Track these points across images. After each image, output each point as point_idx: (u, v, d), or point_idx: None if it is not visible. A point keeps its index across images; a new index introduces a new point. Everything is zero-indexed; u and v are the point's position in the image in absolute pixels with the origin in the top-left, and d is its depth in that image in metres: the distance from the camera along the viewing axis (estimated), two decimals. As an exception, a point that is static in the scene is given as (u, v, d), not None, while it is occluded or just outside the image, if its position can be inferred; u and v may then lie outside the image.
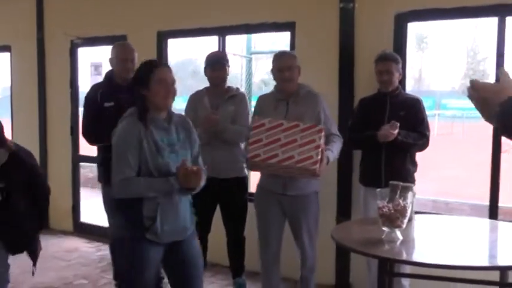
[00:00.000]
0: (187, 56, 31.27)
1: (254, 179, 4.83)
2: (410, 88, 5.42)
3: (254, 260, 4.71)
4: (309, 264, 4.13)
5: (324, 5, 4.93)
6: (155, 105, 3.13)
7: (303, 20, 5.05)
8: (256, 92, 21.25)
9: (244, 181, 4.59)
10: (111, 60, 4.57)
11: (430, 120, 4.42)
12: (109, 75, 4.61)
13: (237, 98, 4.54)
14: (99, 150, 4.63)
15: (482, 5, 4.26)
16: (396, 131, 4.03)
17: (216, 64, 4.51)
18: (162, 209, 3.08)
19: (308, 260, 4.12)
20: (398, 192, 3.33)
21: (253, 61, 9.82)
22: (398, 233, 3.13)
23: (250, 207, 4.47)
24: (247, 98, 4.76)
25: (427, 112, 4.46)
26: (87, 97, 4.56)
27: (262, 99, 4.23)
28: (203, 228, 4.41)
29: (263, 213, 4.15)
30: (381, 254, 3.05)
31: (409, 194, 3.16)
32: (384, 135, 4.05)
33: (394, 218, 3.10)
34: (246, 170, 4.60)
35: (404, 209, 3.10)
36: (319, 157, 3.61)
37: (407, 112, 4.24)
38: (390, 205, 3.11)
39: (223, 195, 4.47)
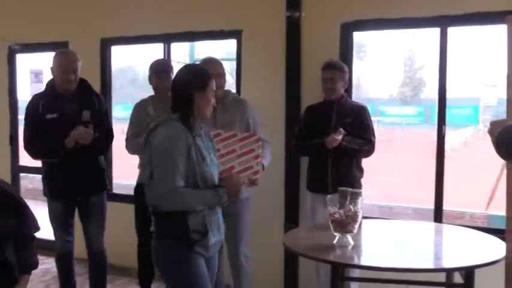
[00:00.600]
0: (126, 63, 30.88)
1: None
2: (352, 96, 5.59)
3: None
4: (243, 271, 4.18)
5: (271, 14, 4.96)
6: (200, 113, 2.99)
7: (250, 28, 5.07)
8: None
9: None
10: (52, 70, 4.20)
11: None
12: (51, 85, 4.27)
13: None
14: (43, 162, 4.36)
15: (424, 16, 4.39)
16: (340, 137, 4.10)
17: (162, 72, 4.46)
18: (210, 221, 2.95)
19: (242, 267, 4.17)
20: (348, 198, 3.40)
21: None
22: (349, 238, 3.20)
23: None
24: None
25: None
26: (28, 108, 4.24)
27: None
28: (151, 237, 4.33)
29: None
30: (334, 259, 3.11)
31: (359, 200, 3.23)
32: (329, 141, 4.11)
33: (346, 223, 3.16)
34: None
35: (355, 214, 3.16)
36: (259, 167, 3.67)
37: (353, 119, 4.32)
38: (341, 211, 3.17)
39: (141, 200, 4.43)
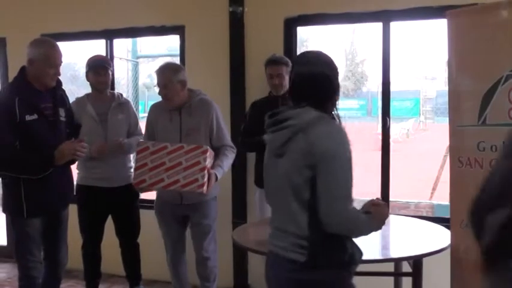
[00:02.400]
0: (66, 60, 30.28)
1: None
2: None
3: (151, 267, 4.64)
4: (210, 270, 4.16)
5: (214, 9, 4.91)
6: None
7: (192, 23, 5.02)
8: (140, 98, 20.90)
9: (133, 188, 4.48)
10: (32, 61, 3.48)
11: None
12: (23, 78, 3.54)
13: (124, 105, 4.41)
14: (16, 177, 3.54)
15: (367, 11, 4.44)
16: None
17: (100, 68, 4.29)
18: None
19: (209, 266, 4.15)
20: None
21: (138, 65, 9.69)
22: None
23: (143, 213, 4.43)
24: (132, 104, 4.67)
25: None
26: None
27: (155, 108, 4.11)
28: (95, 238, 4.36)
29: (163, 223, 4.14)
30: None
31: None
32: None
33: None
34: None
35: None
36: (205, 179, 3.57)
37: None
38: None
39: (115, 204, 4.33)
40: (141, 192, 4.15)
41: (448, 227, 3.27)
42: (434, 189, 9.90)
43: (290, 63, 4.39)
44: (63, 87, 3.77)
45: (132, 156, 4.48)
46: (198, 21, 5.00)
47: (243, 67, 4.83)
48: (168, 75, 3.86)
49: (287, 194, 2.25)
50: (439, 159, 9.82)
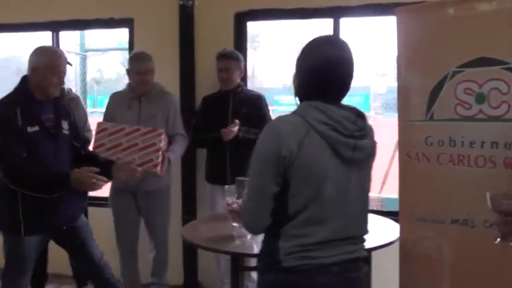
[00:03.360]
0: (11, 53, 29.47)
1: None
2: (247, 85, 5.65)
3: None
4: (162, 260, 4.19)
5: (163, 2, 4.88)
6: None
7: (142, 16, 4.96)
8: (89, 92, 20.52)
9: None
10: (35, 70, 3.27)
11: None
12: (25, 87, 3.30)
13: (74, 101, 4.34)
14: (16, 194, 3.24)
15: (318, 7, 4.47)
16: (236, 128, 4.09)
17: None
18: None
19: (162, 256, 4.18)
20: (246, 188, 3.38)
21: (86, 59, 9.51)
22: None
23: (92, 211, 4.35)
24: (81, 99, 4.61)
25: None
26: (2, 117, 3.18)
27: (115, 97, 4.24)
28: None
29: (118, 213, 4.11)
30: (233, 250, 3.09)
31: None
32: (225, 133, 4.09)
33: None
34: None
35: None
36: (160, 160, 3.69)
37: (250, 109, 4.32)
38: (239, 201, 3.15)
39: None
40: None
41: (397, 221, 3.31)
42: (383, 183, 10.03)
43: (241, 58, 4.38)
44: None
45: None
46: (148, 14, 4.94)
47: (192, 61, 4.80)
48: (152, 63, 4.14)
49: None
50: (389, 154, 9.97)
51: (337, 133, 2.02)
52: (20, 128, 3.12)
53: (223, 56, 4.34)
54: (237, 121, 4.09)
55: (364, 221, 2.23)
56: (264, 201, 2.04)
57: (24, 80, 3.32)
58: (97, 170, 3.16)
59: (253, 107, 4.35)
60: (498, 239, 2.12)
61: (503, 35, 2.75)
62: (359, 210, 2.18)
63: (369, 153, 2.15)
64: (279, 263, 2.05)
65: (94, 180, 3.11)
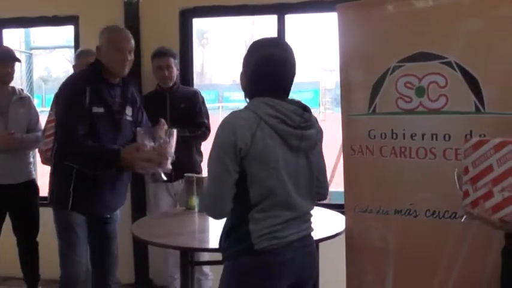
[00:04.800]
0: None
1: (42, 180, 4.61)
2: (194, 82, 5.62)
3: (50, 266, 4.51)
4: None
5: (108, -1, 4.83)
6: None
7: (87, 13, 4.91)
8: (37, 90, 20.06)
9: (33, 184, 4.34)
10: (98, 49, 3.30)
11: (214, 113, 4.61)
12: (97, 66, 3.29)
13: (25, 100, 4.28)
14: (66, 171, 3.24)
15: (262, 3, 4.52)
16: (165, 127, 4.08)
17: (8, 59, 4.16)
18: None
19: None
20: (194, 183, 3.42)
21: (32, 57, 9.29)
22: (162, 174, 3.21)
23: (42, 211, 4.28)
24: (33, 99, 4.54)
25: (211, 105, 4.65)
26: (71, 93, 3.21)
27: None
28: None
29: None
30: (182, 245, 3.10)
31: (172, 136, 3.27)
32: None
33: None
34: (33, 173, 4.38)
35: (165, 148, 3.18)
36: None
37: (187, 104, 4.37)
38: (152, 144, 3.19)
39: (12, 202, 4.18)
40: (47, 163, 3.99)
41: (343, 213, 3.38)
42: (332, 176, 10.17)
43: (177, 55, 4.41)
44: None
45: (31, 153, 4.35)
46: (93, 11, 4.89)
47: (138, 59, 4.76)
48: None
49: None
50: (337, 149, 10.11)
51: (285, 125, 2.23)
52: (86, 107, 3.12)
53: (163, 54, 4.35)
54: (163, 120, 4.04)
55: (312, 201, 2.46)
56: (225, 187, 2.20)
57: (97, 61, 3.31)
58: (148, 147, 3.12)
59: (190, 102, 4.42)
60: (464, 217, 2.22)
61: (441, 30, 2.85)
62: (308, 191, 2.39)
63: (314, 141, 2.38)
64: (252, 246, 2.23)
65: (142, 163, 3.08)
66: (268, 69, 2.27)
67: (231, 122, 2.21)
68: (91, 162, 3.14)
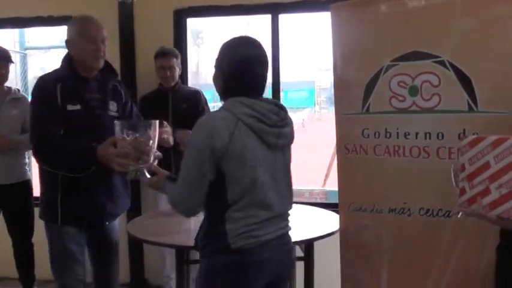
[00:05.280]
0: None
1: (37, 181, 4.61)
2: (189, 82, 5.64)
3: (45, 267, 4.51)
4: None
5: None
6: None
7: (81, 13, 4.87)
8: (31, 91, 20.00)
9: (27, 185, 4.34)
10: (70, 42, 3.02)
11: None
12: (68, 63, 3.04)
13: (19, 101, 4.26)
14: (52, 178, 3.02)
15: (256, 3, 4.53)
16: (168, 128, 4.06)
17: (1, 59, 4.15)
18: None
19: None
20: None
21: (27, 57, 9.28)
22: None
23: (37, 211, 4.28)
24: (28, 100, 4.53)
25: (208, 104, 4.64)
26: (41, 92, 2.97)
27: None
28: None
29: None
30: (178, 243, 3.11)
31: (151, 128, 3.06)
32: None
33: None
34: (29, 174, 4.37)
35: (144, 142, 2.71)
36: None
37: (189, 104, 4.36)
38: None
39: (7, 202, 4.18)
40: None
41: (338, 212, 3.39)
42: (327, 176, 10.21)
43: (179, 55, 4.41)
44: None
45: (26, 153, 4.35)
46: (87, 11, 4.75)
47: (133, 59, 4.79)
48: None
49: None
50: (332, 147, 10.14)
51: (263, 124, 2.24)
52: (58, 106, 2.89)
53: (165, 54, 4.35)
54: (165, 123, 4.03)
55: (290, 199, 2.46)
56: (199, 188, 2.21)
57: (68, 56, 3.05)
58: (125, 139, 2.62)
59: (192, 102, 4.42)
60: (460, 213, 2.23)
61: (434, 29, 2.86)
62: (286, 189, 2.41)
63: (289, 139, 2.40)
64: (228, 245, 2.23)
65: (118, 159, 2.66)
66: (243, 68, 2.27)
67: (208, 123, 2.20)
68: (67, 162, 2.90)
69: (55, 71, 3.08)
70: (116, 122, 2.66)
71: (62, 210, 2.99)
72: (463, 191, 2.21)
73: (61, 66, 3.09)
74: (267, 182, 2.27)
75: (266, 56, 2.35)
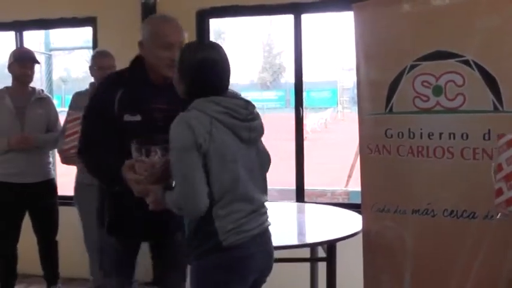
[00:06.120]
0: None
1: (61, 180, 4.67)
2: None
3: (69, 265, 4.56)
4: None
5: (125, 0, 4.87)
6: None
7: (104, 14, 4.94)
8: (56, 91, 20.23)
9: (52, 183, 4.38)
10: (141, 44, 2.65)
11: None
12: (138, 67, 2.66)
13: (44, 101, 4.30)
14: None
15: (278, 3, 4.53)
16: None
17: (27, 61, 4.17)
18: None
19: None
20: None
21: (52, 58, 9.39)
22: None
23: (61, 210, 4.33)
24: (53, 100, 4.58)
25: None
26: (97, 94, 2.72)
27: (78, 96, 4.15)
28: (12, 238, 4.21)
29: (85, 207, 4.06)
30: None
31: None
32: None
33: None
34: (53, 172, 4.42)
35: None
36: None
37: None
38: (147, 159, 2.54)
39: (31, 201, 4.22)
40: (68, 163, 4.03)
41: (361, 213, 3.37)
42: (350, 176, 10.15)
43: None
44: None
45: (50, 152, 4.39)
46: (110, 12, 4.92)
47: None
48: (113, 60, 4.10)
49: None
50: (355, 147, 10.09)
51: (235, 119, 2.28)
52: (113, 114, 2.54)
53: None
54: None
55: (265, 191, 2.46)
56: (197, 184, 2.19)
57: (138, 58, 2.68)
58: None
59: None
60: (499, 214, 2.20)
61: (457, 28, 2.84)
62: (262, 181, 2.43)
63: (260, 131, 2.42)
64: (220, 243, 2.24)
65: (135, 186, 2.41)
66: (209, 71, 2.29)
67: (186, 122, 2.20)
68: (97, 176, 2.69)
69: (122, 72, 2.75)
70: (132, 143, 2.37)
71: (109, 219, 2.75)
72: (499, 192, 2.17)
73: (130, 67, 2.72)
74: (246, 176, 2.30)
75: (225, 55, 2.36)
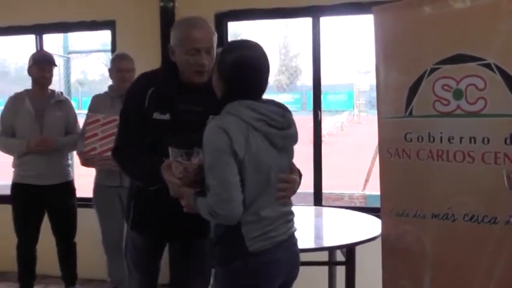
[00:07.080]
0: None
1: (79, 182, 4.69)
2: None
3: (87, 266, 4.57)
4: None
5: (144, 4, 4.89)
6: None
7: (123, 18, 4.97)
8: (73, 93, 20.38)
9: (70, 185, 4.41)
10: (171, 49, 2.60)
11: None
12: (171, 68, 2.62)
13: (63, 103, 4.33)
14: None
15: (297, 6, 4.52)
16: None
17: (46, 63, 4.21)
18: None
19: None
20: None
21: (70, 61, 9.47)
22: None
23: (80, 212, 4.35)
24: (72, 102, 4.61)
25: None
26: (130, 92, 2.70)
27: (97, 98, 4.21)
28: (31, 238, 4.25)
29: (103, 209, 4.08)
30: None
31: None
32: None
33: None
34: (71, 174, 4.44)
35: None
36: None
37: None
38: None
39: (50, 202, 4.25)
40: (87, 165, 4.06)
41: (380, 217, 3.35)
42: (367, 180, 10.11)
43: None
44: None
45: (69, 154, 4.42)
46: (129, 16, 4.95)
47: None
48: (132, 62, 4.17)
49: None
50: (372, 151, 10.05)
51: (271, 127, 2.22)
52: (144, 112, 2.54)
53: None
54: None
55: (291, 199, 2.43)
56: (234, 189, 2.15)
57: (171, 62, 2.65)
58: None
59: None
60: None
61: (479, 31, 2.81)
62: None
63: (295, 139, 2.37)
64: (246, 248, 2.22)
65: (171, 187, 2.38)
66: (248, 70, 2.23)
67: (221, 126, 2.14)
68: (135, 176, 2.69)
69: (155, 71, 2.73)
70: (170, 148, 2.32)
71: (133, 216, 2.78)
72: None
73: (162, 67, 2.79)
74: (276, 183, 2.28)
75: (266, 57, 2.30)
